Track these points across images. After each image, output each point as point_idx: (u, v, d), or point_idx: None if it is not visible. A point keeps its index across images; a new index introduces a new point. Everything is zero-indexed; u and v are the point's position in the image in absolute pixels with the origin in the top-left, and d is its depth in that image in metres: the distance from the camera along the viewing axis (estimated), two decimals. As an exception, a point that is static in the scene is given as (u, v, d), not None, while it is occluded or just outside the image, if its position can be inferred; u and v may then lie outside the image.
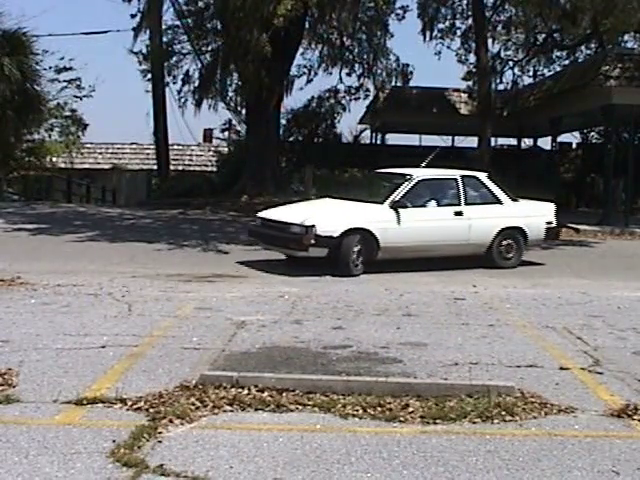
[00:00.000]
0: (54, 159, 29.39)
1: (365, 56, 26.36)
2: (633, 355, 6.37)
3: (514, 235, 11.86)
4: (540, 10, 23.03)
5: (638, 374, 5.73)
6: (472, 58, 26.02)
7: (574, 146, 30.53)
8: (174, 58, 24.75)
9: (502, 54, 28.17)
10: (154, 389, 4.99)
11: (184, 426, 4.39)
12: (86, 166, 33.64)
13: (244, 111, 25.35)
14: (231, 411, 4.66)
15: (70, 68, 27.39)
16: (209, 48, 24.13)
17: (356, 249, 10.62)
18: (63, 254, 12.03)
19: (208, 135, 36.79)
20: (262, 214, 11.92)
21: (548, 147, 28.18)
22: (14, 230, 14.81)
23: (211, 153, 32.78)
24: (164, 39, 24.23)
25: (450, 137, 30.76)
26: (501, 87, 27.81)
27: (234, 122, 27.70)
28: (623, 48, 23.70)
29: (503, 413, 4.69)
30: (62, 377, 5.23)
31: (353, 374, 5.37)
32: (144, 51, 25.13)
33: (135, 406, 4.67)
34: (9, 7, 47.92)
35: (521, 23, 25.76)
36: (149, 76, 25.60)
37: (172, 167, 28.79)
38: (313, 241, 10.44)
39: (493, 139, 24.21)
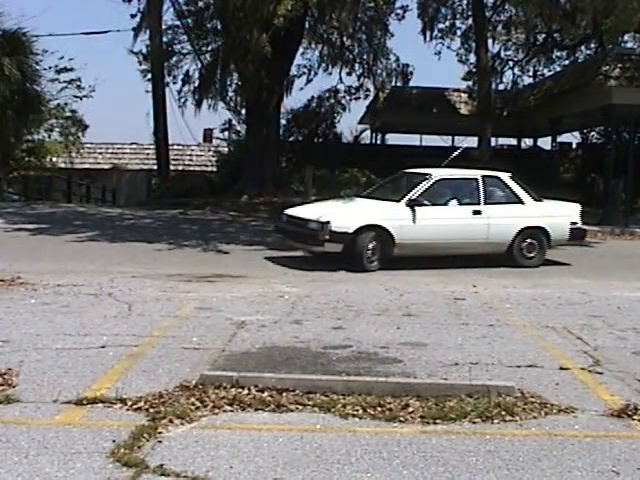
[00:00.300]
0: (54, 159, 29.40)
1: (365, 56, 26.40)
2: (633, 355, 6.36)
3: (536, 235, 12.01)
4: (540, 10, 23.04)
5: (638, 374, 5.73)
6: (472, 58, 26.09)
7: (574, 146, 30.54)
8: (174, 58, 24.80)
9: (502, 54, 28.23)
10: (154, 389, 4.99)
11: (184, 426, 4.39)
12: (86, 166, 33.64)
13: (244, 111, 25.37)
14: (231, 411, 4.66)
15: (70, 68, 27.45)
16: (209, 48, 24.16)
17: (371, 245, 11.00)
18: (63, 254, 12.03)
19: (208, 135, 36.77)
20: (287, 211, 12.36)
21: (548, 147, 28.20)
22: (14, 230, 14.81)
23: (211, 153, 32.77)
24: (164, 39, 24.24)
25: (450, 137, 30.77)
26: (501, 87, 27.90)
27: (234, 122, 27.70)
28: (623, 48, 23.71)
29: (503, 413, 4.69)
30: (62, 377, 5.23)
31: (353, 374, 5.37)
32: (144, 51, 25.18)
33: (135, 406, 4.67)
34: (9, 7, 47.99)
35: (521, 23, 25.78)
36: (149, 76, 25.59)
37: (172, 167, 28.78)
38: (328, 237, 10.84)
39: (493, 139, 24.23)
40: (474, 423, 4.56)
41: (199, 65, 24.31)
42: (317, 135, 27.57)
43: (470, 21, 25.16)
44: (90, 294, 8.37)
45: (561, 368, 5.83)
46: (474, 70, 25.48)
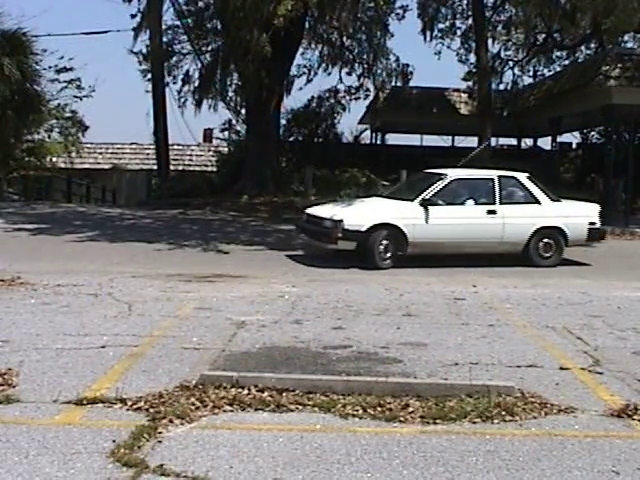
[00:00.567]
0: (54, 159, 29.38)
1: (365, 56, 26.36)
2: (633, 355, 6.36)
3: (553, 235, 12.13)
4: (540, 10, 23.06)
5: (638, 374, 5.73)
6: (472, 58, 26.09)
7: (574, 146, 30.54)
8: (174, 58, 24.81)
9: (502, 54, 28.25)
10: (154, 389, 4.99)
11: (184, 426, 4.39)
12: (86, 166, 33.63)
13: (244, 111, 25.35)
14: (231, 411, 4.66)
15: (70, 68, 27.45)
16: (209, 48, 24.17)
17: (383, 243, 11.25)
18: (63, 254, 12.03)
19: (208, 135, 36.75)
20: (308, 210, 12.77)
21: (548, 147, 28.21)
22: (14, 230, 14.82)
23: (211, 153, 32.75)
24: (164, 39, 24.21)
25: (450, 137, 30.77)
26: (501, 87, 27.89)
27: (234, 122, 27.66)
28: (623, 48, 23.73)
29: (503, 413, 4.69)
30: (62, 377, 5.23)
31: (353, 374, 5.37)
32: (144, 51, 25.13)
33: (135, 406, 4.67)
34: (9, 7, 48.01)
35: (521, 23, 25.76)
36: (149, 76, 25.56)
37: (172, 167, 28.75)
38: (341, 235, 11.20)
39: (493, 139, 24.22)
40: (474, 423, 4.56)
41: (199, 65, 24.35)
42: (317, 135, 27.54)
43: (470, 21, 25.17)
44: (90, 294, 8.37)
45: (561, 368, 5.83)
46: (474, 70, 25.47)
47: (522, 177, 12.45)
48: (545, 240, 12.10)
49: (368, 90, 27.15)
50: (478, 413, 4.66)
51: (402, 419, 4.57)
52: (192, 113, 25.60)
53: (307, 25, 23.48)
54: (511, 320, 7.66)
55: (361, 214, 11.69)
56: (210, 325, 6.97)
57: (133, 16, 23.86)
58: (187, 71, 24.89)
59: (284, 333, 6.71)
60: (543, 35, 27.48)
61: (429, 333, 6.88)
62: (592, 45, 27.44)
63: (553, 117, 24.04)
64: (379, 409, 4.70)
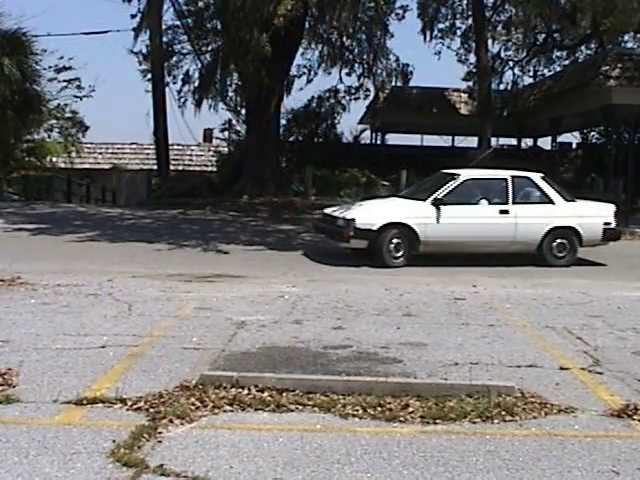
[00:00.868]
0: (54, 159, 29.37)
1: (365, 56, 26.37)
2: (633, 355, 6.36)
3: (567, 235, 12.18)
4: (540, 10, 23.07)
5: (638, 374, 5.73)
6: (472, 58, 26.12)
7: (574, 146, 30.55)
8: (174, 58, 24.80)
9: (502, 54, 28.28)
10: (154, 389, 4.99)
11: (184, 426, 4.39)
12: (86, 166, 33.63)
13: (244, 111, 25.35)
14: (231, 411, 4.66)
15: (70, 68, 27.47)
16: (209, 48, 24.15)
17: (394, 242, 11.41)
18: (63, 254, 12.03)
19: (208, 135, 36.75)
20: (325, 210, 13.12)
21: (548, 147, 28.20)
22: (14, 230, 14.82)
23: (211, 153, 32.74)
24: (164, 39, 24.21)
25: (450, 137, 30.77)
26: (501, 87, 27.90)
27: (234, 122, 27.67)
28: (623, 48, 23.74)
29: (503, 413, 4.69)
30: (62, 377, 5.23)
31: (353, 374, 5.37)
32: (144, 51, 25.14)
33: (135, 406, 4.67)
34: (9, 7, 48.01)
35: (521, 23, 25.78)
36: (149, 76, 25.58)
37: (172, 167, 28.77)
38: (352, 233, 11.39)
39: (493, 139, 24.22)
40: (474, 423, 4.56)
41: (199, 65, 24.33)
42: (317, 135, 27.55)
43: (470, 21, 25.19)
44: (90, 294, 8.37)
45: (561, 368, 5.82)
46: (474, 70, 25.49)
47: (536, 177, 12.51)
48: (559, 240, 12.13)
49: (368, 90, 27.21)
50: (478, 413, 4.66)
51: (402, 419, 4.57)
52: (192, 113, 25.57)
53: (307, 25, 23.48)
54: (511, 320, 7.66)
55: (373, 213, 11.88)
56: (210, 325, 6.96)
57: (133, 16, 23.89)
58: (187, 71, 24.92)
59: (284, 333, 6.71)
60: (543, 35, 27.51)
61: (429, 333, 6.88)
62: (592, 45, 27.46)
63: (553, 117, 24.03)
64: (379, 409, 4.70)
